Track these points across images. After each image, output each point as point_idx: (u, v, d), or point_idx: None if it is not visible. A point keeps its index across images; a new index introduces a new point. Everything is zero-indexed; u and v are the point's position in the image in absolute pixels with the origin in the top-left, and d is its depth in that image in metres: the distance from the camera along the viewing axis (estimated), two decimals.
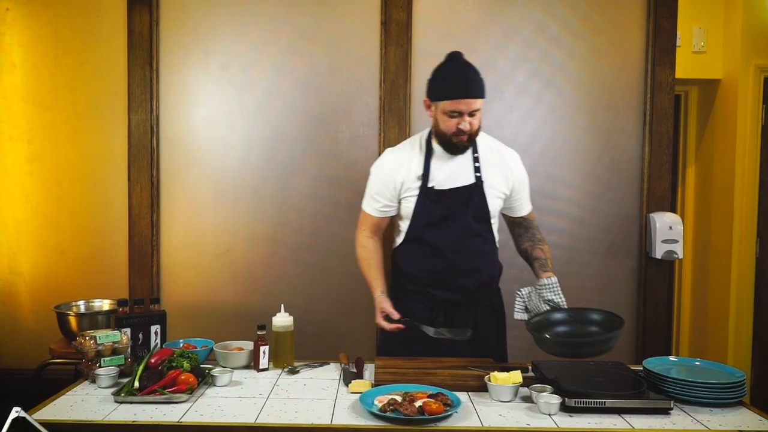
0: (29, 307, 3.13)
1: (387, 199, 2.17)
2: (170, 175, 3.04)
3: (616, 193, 3.07)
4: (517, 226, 2.31)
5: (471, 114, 2.02)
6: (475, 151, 2.14)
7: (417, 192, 2.11)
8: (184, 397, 1.68)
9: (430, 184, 2.11)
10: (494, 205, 2.16)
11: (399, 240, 2.23)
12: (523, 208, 2.27)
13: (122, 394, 1.68)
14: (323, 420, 1.57)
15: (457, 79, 2.02)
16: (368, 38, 2.98)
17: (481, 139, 2.17)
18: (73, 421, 1.56)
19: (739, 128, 3.74)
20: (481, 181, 2.11)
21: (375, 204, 2.19)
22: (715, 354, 3.91)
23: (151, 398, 1.67)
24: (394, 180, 2.14)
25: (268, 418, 1.58)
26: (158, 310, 2.10)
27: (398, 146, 2.25)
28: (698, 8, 3.83)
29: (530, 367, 1.92)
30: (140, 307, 2.09)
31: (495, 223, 2.20)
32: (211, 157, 3.04)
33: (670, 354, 3.68)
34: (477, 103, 2.02)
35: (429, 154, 2.14)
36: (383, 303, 2.10)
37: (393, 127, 2.95)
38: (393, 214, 2.21)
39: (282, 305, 2.09)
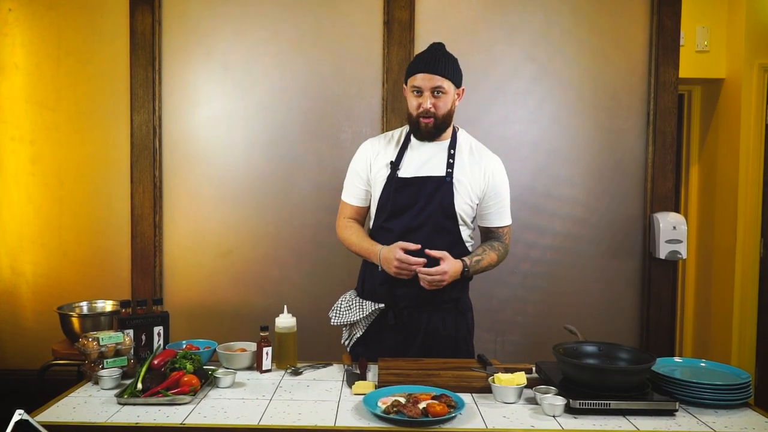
0: (32, 308, 3.13)
1: (363, 184, 2.15)
2: (173, 176, 3.04)
3: (620, 193, 3.06)
4: (485, 236, 2.21)
5: (435, 94, 2.00)
6: (452, 146, 2.10)
7: (385, 180, 2.09)
8: (187, 398, 1.68)
9: (398, 173, 2.08)
10: (462, 205, 2.06)
11: (367, 229, 2.21)
12: (498, 219, 2.15)
13: (125, 396, 1.68)
14: (327, 422, 1.56)
15: (424, 57, 2.03)
16: (371, 38, 2.98)
17: (463, 137, 2.14)
18: (76, 423, 1.55)
19: (742, 128, 3.73)
20: (451, 177, 2.05)
21: (352, 190, 2.18)
22: (718, 354, 3.90)
23: (154, 400, 1.66)
24: (368, 165, 2.13)
25: (271, 420, 1.57)
26: (161, 311, 2.09)
27: (379, 135, 2.23)
28: (702, 7, 3.82)
29: (534, 369, 1.91)
30: (143, 308, 2.08)
31: (468, 230, 2.12)
32: (213, 158, 3.03)
33: (674, 355, 3.66)
34: (441, 81, 1.99)
35: (406, 144, 2.12)
36: (393, 248, 1.98)
37: (396, 126, 2.92)
38: (368, 203, 2.18)
39: (285, 306, 2.08)
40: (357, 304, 2.15)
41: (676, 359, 1.93)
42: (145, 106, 3.00)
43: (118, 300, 2.81)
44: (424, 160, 2.08)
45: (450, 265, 1.97)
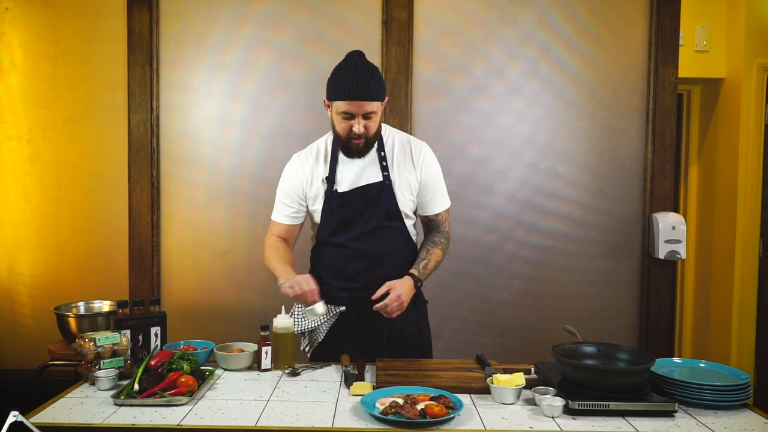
0: (29, 308, 3.12)
1: (295, 203, 2.10)
2: (170, 175, 3.03)
3: (619, 193, 3.05)
4: (425, 225, 2.20)
5: (366, 116, 1.94)
6: (381, 149, 2.06)
7: (323, 196, 2.05)
8: (184, 399, 1.67)
9: (335, 188, 2.04)
10: (405, 202, 2.06)
11: (313, 243, 2.18)
12: (435, 205, 2.13)
13: (122, 397, 1.67)
14: (324, 423, 1.55)
15: (351, 80, 1.92)
16: (369, 37, 2.97)
17: (388, 135, 2.10)
18: (72, 424, 1.55)
19: (742, 127, 3.72)
20: (390, 180, 2.04)
21: (283, 210, 2.12)
22: (718, 355, 3.89)
23: (150, 401, 1.65)
24: (301, 183, 2.08)
25: (269, 421, 1.56)
26: (158, 312, 2.08)
27: (305, 150, 2.15)
28: (701, 7, 3.81)
29: (533, 369, 1.90)
30: (140, 309, 2.07)
31: (411, 221, 2.13)
32: (211, 157, 3.02)
33: (673, 355, 3.66)
34: (371, 105, 1.93)
35: (335, 156, 2.06)
36: (309, 280, 1.95)
37: (394, 126, 2.92)
38: (302, 221, 2.14)
39: (283, 306, 2.07)
40: None
41: (675, 360, 1.92)
42: (142, 106, 2.99)
43: (116, 300, 2.80)
44: (358, 171, 2.05)
45: (399, 288, 1.95)
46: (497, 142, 3.02)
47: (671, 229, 2.96)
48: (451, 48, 3.00)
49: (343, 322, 2.10)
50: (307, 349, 2.19)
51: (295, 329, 2.12)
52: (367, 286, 2.01)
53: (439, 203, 2.14)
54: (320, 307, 1.95)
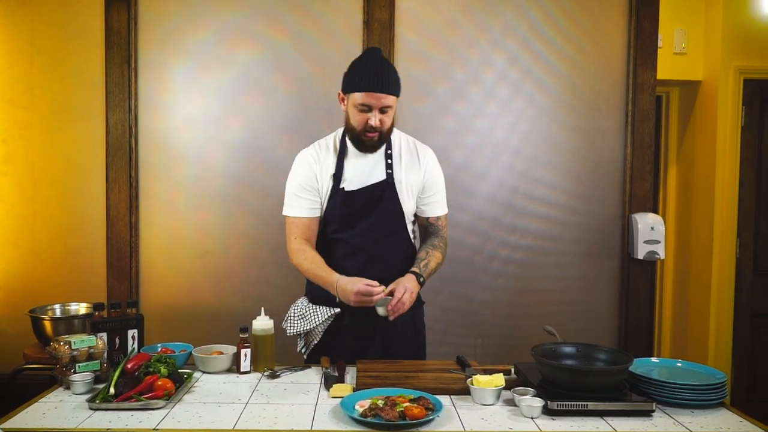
0: (3, 311, 3.07)
1: (311, 194, 2.08)
2: (149, 176, 3.00)
3: (599, 194, 3.08)
4: (424, 229, 2.20)
5: (382, 110, 1.97)
6: (388, 147, 2.08)
7: (330, 192, 2.06)
8: (161, 403, 1.65)
9: (341, 185, 2.05)
10: (408, 203, 2.10)
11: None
12: (435, 209, 2.17)
13: (97, 401, 1.64)
14: (303, 426, 1.54)
15: (371, 72, 1.95)
16: (350, 37, 2.96)
17: (397, 137, 2.13)
18: (46, 429, 1.52)
19: (719, 129, 3.77)
20: (393, 179, 2.06)
21: (300, 203, 2.08)
22: (695, 354, 3.94)
23: (126, 405, 1.63)
24: (316, 175, 2.07)
25: (247, 424, 1.55)
26: (135, 314, 2.05)
27: (312, 146, 2.14)
28: (679, 10, 3.85)
29: (513, 370, 1.91)
30: (117, 311, 2.04)
31: (411, 222, 2.15)
32: (190, 157, 2.99)
33: (652, 354, 3.70)
34: (389, 99, 1.97)
35: (342, 153, 2.08)
36: (355, 281, 1.93)
37: None
38: (319, 213, 2.10)
39: (262, 308, 2.05)
40: (311, 311, 2.10)
41: (653, 359, 1.94)
42: (120, 105, 2.95)
43: (92, 302, 2.75)
44: (365, 170, 2.07)
45: (406, 282, 1.96)
46: (477, 145, 3.02)
47: (650, 230, 2.98)
48: (431, 50, 3.00)
49: (339, 324, 2.09)
50: (303, 350, 2.18)
51: (289, 332, 2.12)
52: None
53: (440, 207, 2.18)
54: (381, 308, 1.93)
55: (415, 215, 2.19)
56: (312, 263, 2.05)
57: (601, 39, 3.04)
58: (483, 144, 3.02)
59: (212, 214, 3.00)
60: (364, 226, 2.06)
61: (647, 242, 2.99)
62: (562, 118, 3.04)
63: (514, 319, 3.07)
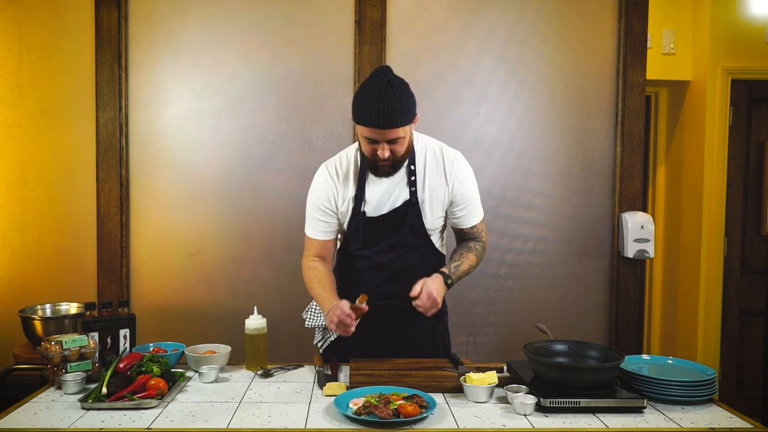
0: None
1: (327, 216, 2.02)
2: (140, 175, 2.98)
3: (589, 193, 3.09)
4: (460, 237, 2.14)
5: (391, 141, 1.84)
6: (411, 163, 1.96)
7: (351, 214, 1.99)
8: (154, 402, 1.64)
9: (363, 208, 1.97)
10: (434, 220, 2.01)
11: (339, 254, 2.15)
12: (468, 220, 2.07)
13: (89, 401, 1.63)
14: (297, 424, 1.55)
15: (373, 106, 1.78)
16: (342, 37, 2.96)
17: (422, 146, 2.00)
18: (38, 429, 1.51)
19: (707, 129, 3.81)
20: (416, 197, 1.96)
21: (315, 225, 2.04)
22: (685, 351, 3.98)
23: (119, 404, 1.62)
24: (333, 197, 2.00)
25: (240, 423, 1.55)
26: (127, 314, 2.04)
27: (335, 160, 2.05)
28: (668, 10, 3.89)
29: (505, 368, 1.92)
30: (108, 311, 2.03)
31: (438, 232, 2.07)
32: (181, 157, 2.98)
33: (642, 352, 3.72)
34: (395, 132, 1.82)
35: (364, 173, 1.98)
36: (342, 306, 1.85)
37: None
38: (335, 235, 2.06)
39: (255, 307, 2.05)
40: None
41: (644, 356, 1.96)
42: (110, 104, 2.93)
43: (83, 302, 2.74)
44: (387, 190, 1.97)
45: (430, 285, 1.88)
46: (468, 141, 3.03)
47: (640, 229, 3.01)
48: (423, 48, 3.01)
49: (358, 324, 2.00)
50: (320, 344, 2.17)
51: (308, 324, 2.13)
52: (382, 297, 1.99)
53: (474, 217, 2.08)
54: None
55: (445, 223, 2.10)
56: (319, 282, 2.00)
57: (591, 39, 3.06)
58: (473, 142, 3.03)
59: (204, 213, 2.99)
60: (386, 245, 2.00)
61: (637, 241, 3.01)
62: (553, 118, 3.06)
63: (506, 317, 3.08)
